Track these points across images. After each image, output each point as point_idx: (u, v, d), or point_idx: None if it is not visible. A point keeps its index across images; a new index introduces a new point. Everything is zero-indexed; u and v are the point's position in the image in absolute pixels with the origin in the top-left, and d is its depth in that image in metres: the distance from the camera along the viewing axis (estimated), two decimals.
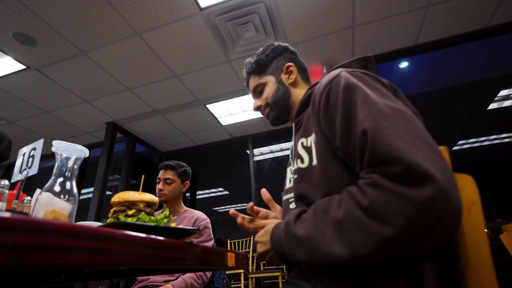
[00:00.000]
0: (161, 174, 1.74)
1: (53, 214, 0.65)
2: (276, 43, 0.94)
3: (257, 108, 0.92)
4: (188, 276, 1.55)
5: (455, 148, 4.98)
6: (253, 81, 0.92)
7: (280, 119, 0.90)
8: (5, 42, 2.39)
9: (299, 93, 0.88)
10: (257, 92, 0.91)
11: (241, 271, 3.10)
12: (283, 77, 0.89)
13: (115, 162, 3.73)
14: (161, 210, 1.55)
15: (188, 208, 1.75)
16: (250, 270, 3.40)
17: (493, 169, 5.38)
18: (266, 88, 0.89)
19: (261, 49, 0.94)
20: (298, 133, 0.72)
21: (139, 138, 4.04)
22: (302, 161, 0.67)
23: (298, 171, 0.68)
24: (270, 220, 0.71)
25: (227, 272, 2.45)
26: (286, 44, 0.94)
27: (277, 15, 2.28)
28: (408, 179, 0.41)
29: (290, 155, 0.81)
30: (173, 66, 2.76)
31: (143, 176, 0.88)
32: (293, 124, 0.79)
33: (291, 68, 0.89)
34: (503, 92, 3.63)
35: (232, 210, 0.77)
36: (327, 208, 0.50)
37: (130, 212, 0.64)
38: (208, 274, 1.63)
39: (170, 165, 1.76)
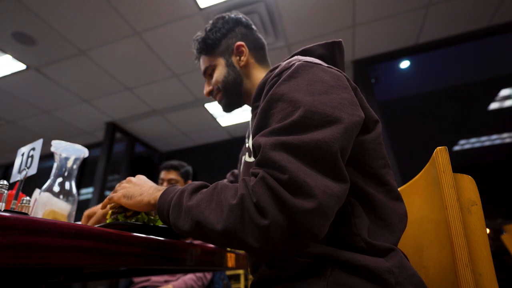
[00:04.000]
0: (164, 174, 1.73)
1: (52, 214, 0.65)
2: (227, 16, 0.83)
3: (208, 93, 0.85)
4: (189, 278, 1.55)
5: (456, 148, 4.98)
6: (203, 62, 0.84)
7: (232, 106, 0.83)
8: (4, 42, 2.38)
9: (254, 76, 0.80)
10: (207, 74, 0.84)
11: (241, 271, 3.10)
12: (234, 59, 0.80)
13: (115, 162, 3.73)
14: None
15: None
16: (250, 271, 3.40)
17: (495, 169, 5.37)
18: (216, 71, 0.81)
19: (210, 22, 0.84)
20: (253, 120, 0.64)
21: (138, 138, 4.04)
22: (250, 155, 0.63)
23: (244, 164, 0.65)
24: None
25: (226, 273, 2.44)
26: (239, 16, 0.83)
27: (277, 15, 2.28)
28: (293, 188, 0.41)
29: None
30: (173, 66, 2.76)
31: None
32: (251, 109, 0.72)
33: (242, 48, 0.80)
34: (504, 92, 3.63)
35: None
36: (225, 189, 0.48)
37: (128, 213, 0.64)
38: (209, 276, 1.63)
39: (173, 165, 1.74)
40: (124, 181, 0.67)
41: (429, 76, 3.21)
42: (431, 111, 3.95)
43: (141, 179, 0.66)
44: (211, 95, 0.85)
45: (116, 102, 3.26)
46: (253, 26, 0.85)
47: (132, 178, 0.67)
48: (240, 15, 0.84)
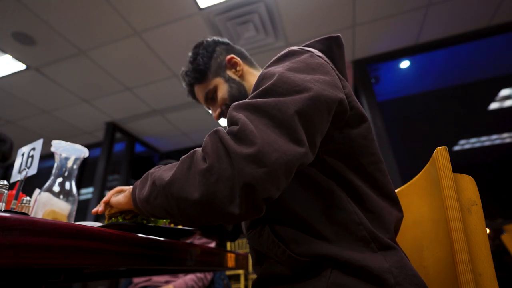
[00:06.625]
0: None
1: (52, 214, 0.65)
2: (204, 41, 0.85)
3: (218, 116, 0.82)
4: (189, 278, 1.55)
5: (456, 148, 4.97)
6: (200, 91, 0.83)
7: None
8: (4, 42, 2.38)
9: (252, 82, 0.81)
10: (210, 99, 0.83)
11: (241, 271, 3.10)
12: (230, 72, 0.81)
13: (115, 162, 3.72)
14: None
15: None
16: (250, 271, 3.40)
17: (495, 169, 5.37)
18: (218, 92, 0.81)
19: (190, 54, 0.85)
20: None
21: (138, 138, 4.04)
22: None
23: None
24: None
25: (226, 273, 2.44)
26: (215, 37, 0.86)
27: (277, 15, 2.28)
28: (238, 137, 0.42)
29: None
30: (173, 65, 2.76)
31: None
32: None
33: (234, 60, 0.81)
34: (504, 92, 3.63)
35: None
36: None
37: (127, 217, 0.63)
38: (209, 277, 1.63)
39: None
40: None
41: (429, 76, 3.21)
42: (431, 111, 3.95)
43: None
44: (222, 117, 0.82)
45: (116, 102, 3.26)
46: (230, 42, 0.88)
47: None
48: (215, 37, 0.87)
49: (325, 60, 0.57)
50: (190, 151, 0.47)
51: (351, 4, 2.23)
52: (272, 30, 2.42)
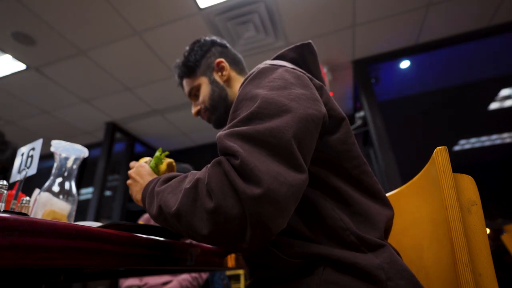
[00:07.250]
0: None
1: (52, 214, 0.65)
2: (202, 39, 0.88)
3: (196, 113, 0.87)
4: (183, 278, 1.55)
5: (456, 148, 4.97)
6: (187, 85, 0.87)
7: (222, 122, 0.84)
8: (4, 42, 2.38)
9: (236, 88, 0.82)
10: (193, 95, 0.87)
11: (241, 271, 3.10)
12: (216, 75, 0.83)
13: (115, 162, 3.72)
14: None
15: None
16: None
17: (495, 169, 5.37)
18: (200, 90, 0.84)
19: (187, 48, 0.88)
20: None
21: (138, 138, 4.04)
22: None
23: None
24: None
25: (226, 273, 2.44)
26: (214, 38, 0.88)
27: (277, 15, 2.28)
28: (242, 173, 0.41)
29: None
30: (173, 65, 2.76)
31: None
32: None
33: (222, 64, 0.83)
34: (504, 92, 3.63)
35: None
36: (190, 175, 0.50)
37: None
38: (204, 276, 1.63)
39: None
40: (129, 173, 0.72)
41: (429, 76, 3.21)
42: (431, 111, 3.94)
43: (140, 172, 0.70)
44: (199, 115, 0.87)
45: (116, 102, 3.25)
46: (228, 45, 0.89)
47: (132, 173, 0.71)
48: (214, 37, 0.89)
49: (300, 71, 0.57)
50: (193, 179, 0.46)
51: (351, 4, 2.23)
52: (272, 30, 2.42)
